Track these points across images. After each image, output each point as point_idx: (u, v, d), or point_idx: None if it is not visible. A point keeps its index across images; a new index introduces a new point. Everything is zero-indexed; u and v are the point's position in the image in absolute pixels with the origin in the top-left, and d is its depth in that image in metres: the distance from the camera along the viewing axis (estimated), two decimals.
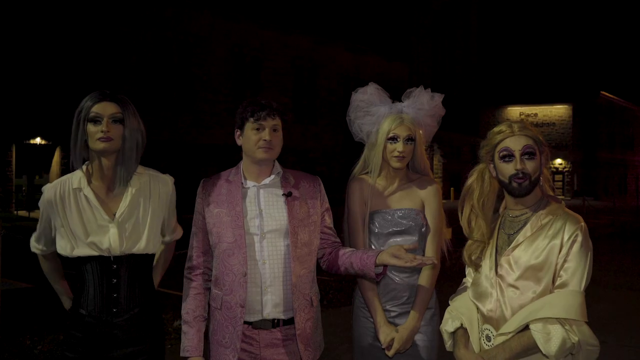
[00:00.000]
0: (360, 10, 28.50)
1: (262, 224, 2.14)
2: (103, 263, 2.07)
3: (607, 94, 38.73)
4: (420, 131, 2.56)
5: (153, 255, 2.21)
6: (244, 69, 21.14)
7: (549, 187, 1.99)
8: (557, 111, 36.88)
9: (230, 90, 20.48)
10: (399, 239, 2.47)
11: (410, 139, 2.44)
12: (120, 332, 2.09)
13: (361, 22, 27.95)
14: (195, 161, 18.54)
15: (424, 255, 2.47)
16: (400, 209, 2.48)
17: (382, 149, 2.47)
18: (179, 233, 2.34)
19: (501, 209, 2.07)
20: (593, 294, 5.98)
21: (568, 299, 1.81)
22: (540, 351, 1.81)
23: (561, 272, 1.85)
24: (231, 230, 2.12)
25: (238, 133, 2.20)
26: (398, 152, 2.43)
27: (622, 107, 41.96)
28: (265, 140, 2.13)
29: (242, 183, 2.20)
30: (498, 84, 38.41)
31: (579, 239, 1.85)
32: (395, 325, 2.44)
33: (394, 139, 2.45)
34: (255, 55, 21.40)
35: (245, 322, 2.12)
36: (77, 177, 2.10)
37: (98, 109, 2.00)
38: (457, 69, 33.61)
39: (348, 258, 2.20)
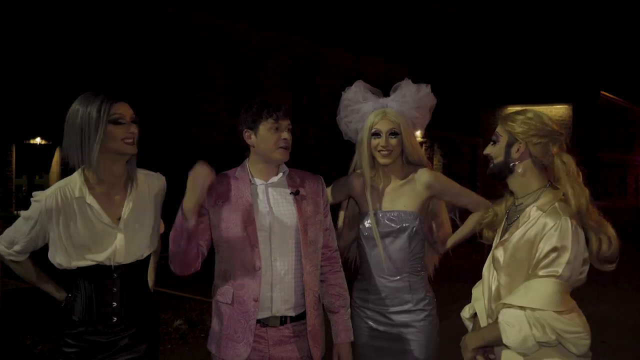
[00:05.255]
0: (360, 11, 28.49)
1: (273, 221, 2.14)
2: (102, 272, 2.00)
3: (607, 94, 38.68)
4: (413, 121, 2.56)
5: (149, 258, 2.17)
6: (244, 69, 21.13)
7: (564, 176, 1.92)
8: (557, 111, 36.84)
9: (230, 90, 20.47)
10: (387, 241, 2.45)
11: (393, 133, 2.43)
12: (116, 340, 2.03)
13: (361, 22, 27.93)
14: (195, 161, 18.52)
15: (422, 252, 2.49)
16: (392, 211, 2.46)
17: (367, 145, 2.47)
18: (162, 226, 2.28)
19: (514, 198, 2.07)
20: (593, 293, 5.98)
21: (540, 288, 1.76)
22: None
23: (535, 260, 1.82)
24: (242, 227, 2.12)
25: (248, 133, 2.18)
26: (381, 146, 2.43)
27: (622, 107, 41.92)
28: (285, 139, 2.16)
29: (250, 180, 2.20)
30: (498, 84, 38.38)
31: (557, 231, 1.79)
32: (392, 322, 2.45)
33: (376, 134, 2.45)
34: (255, 56, 21.39)
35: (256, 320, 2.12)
36: (76, 185, 2.01)
37: None
38: (457, 69, 33.59)
39: (329, 307, 2.30)
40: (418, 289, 2.47)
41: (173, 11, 18.52)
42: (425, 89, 2.57)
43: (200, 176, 1.98)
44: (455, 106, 30.74)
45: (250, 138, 2.18)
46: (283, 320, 2.15)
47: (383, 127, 2.44)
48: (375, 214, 2.47)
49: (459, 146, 31.93)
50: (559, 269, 1.77)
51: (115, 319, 2.03)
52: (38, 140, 15.90)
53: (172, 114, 18.64)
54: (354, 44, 25.35)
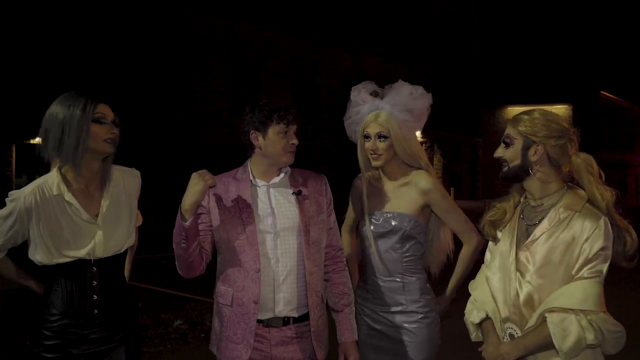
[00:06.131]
0: (360, 11, 28.50)
1: (275, 222, 2.14)
2: (82, 266, 2.03)
3: (607, 94, 38.69)
4: (407, 124, 2.48)
5: (127, 252, 2.21)
6: (244, 69, 21.14)
7: (588, 177, 1.91)
8: (557, 111, 36.65)
9: (230, 90, 20.48)
10: (380, 242, 2.45)
11: (382, 136, 2.41)
12: (96, 332, 2.06)
13: (361, 22, 27.95)
14: (195, 161, 18.50)
15: (418, 254, 2.49)
16: (389, 212, 2.45)
17: (361, 147, 2.48)
18: (140, 219, 2.31)
19: (522, 198, 2.05)
20: None
21: (588, 289, 1.77)
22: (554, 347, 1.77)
23: (580, 262, 1.81)
24: (242, 227, 2.11)
25: (255, 135, 2.16)
26: (371, 150, 2.43)
27: (622, 107, 41.92)
28: (293, 144, 2.16)
29: (252, 181, 2.20)
30: (498, 84, 38.35)
31: (601, 231, 1.81)
32: (388, 322, 2.46)
33: (367, 136, 2.45)
34: (255, 56, 21.40)
35: (257, 321, 2.12)
36: (54, 183, 2.03)
37: None
38: (457, 69, 33.59)
39: (333, 306, 2.30)
40: (412, 290, 2.45)
41: (173, 11, 18.52)
42: (418, 91, 2.49)
43: (202, 181, 2.00)
44: (455, 106, 30.74)
45: (258, 140, 2.17)
46: (286, 321, 2.15)
47: (372, 130, 2.43)
48: (373, 215, 2.48)
49: (459, 146, 31.91)
50: (604, 268, 1.80)
51: (96, 311, 2.06)
52: (38, 140, 15.90)
53: (172, 114, 18.63)
54: (354, 44, 25.38)
